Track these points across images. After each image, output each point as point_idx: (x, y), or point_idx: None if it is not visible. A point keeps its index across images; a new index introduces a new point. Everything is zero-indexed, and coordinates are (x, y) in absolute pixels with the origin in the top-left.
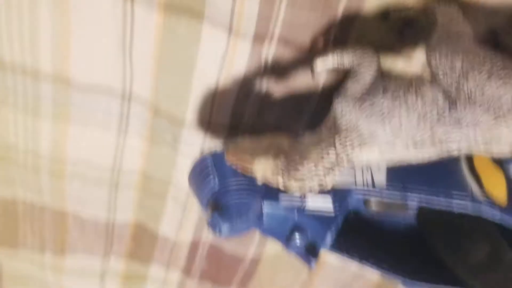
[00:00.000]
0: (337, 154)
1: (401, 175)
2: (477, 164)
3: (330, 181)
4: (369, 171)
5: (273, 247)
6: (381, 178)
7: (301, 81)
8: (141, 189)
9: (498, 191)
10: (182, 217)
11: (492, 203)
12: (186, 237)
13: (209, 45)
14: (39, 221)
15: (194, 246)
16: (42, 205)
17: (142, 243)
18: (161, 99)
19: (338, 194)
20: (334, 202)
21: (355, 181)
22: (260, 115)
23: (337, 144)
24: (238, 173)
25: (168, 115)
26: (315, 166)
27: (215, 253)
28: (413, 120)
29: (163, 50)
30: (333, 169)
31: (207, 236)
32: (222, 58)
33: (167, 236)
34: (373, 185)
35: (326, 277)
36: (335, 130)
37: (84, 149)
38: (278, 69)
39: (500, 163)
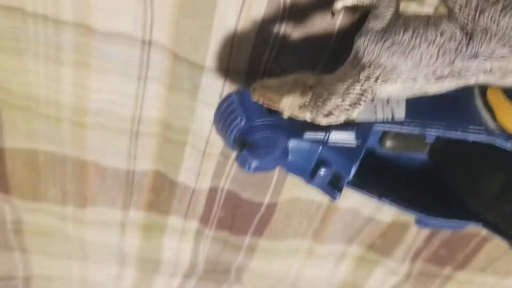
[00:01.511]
0: (362, 88)
1: (420, 112)
2: (490, 97)
3: (355, 114)
4: (390, 108)
5: (289, 193)
6: (400, 115)
7: (319, 24)
8: (160, 137)
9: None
10: (201, 165)
11: (505, 134)
12: (204, 185)
13: None
14: (60, 172)
15: (212, 194)
16: (63, 155)
17: (161, 193)
18: (181, 45)
19: (361, 128)
20: (356, 135)
21: (376, 117)
22: (278, 60)
23: (361, 79)
24: (263, 110)
25: (188, 61)
26: (342, 100)
27: (232, 200)
28: (433, 55)
29: None
30: (358, 103)
31: (225, 183)
32: (242, 1)
33: (186, 184)
34: (393, 120)
35: (338, 223)
36: (359, 65)
37: (105, 99)
38: (297, 12)
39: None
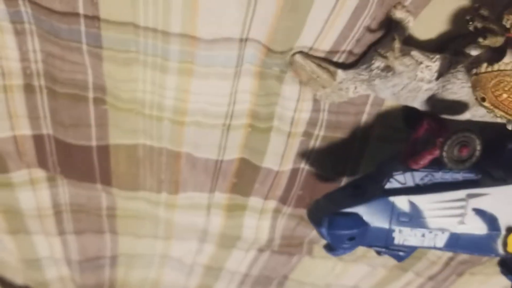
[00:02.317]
0: None
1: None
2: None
3: None
4: (433, 240)
5: None
6: (440, 245)
7: None
8: (249, 128)
9: None
10: (285, 147)
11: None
12: (287, 167)
13: None
14: (157, 164)
15: (293, 175)
16: (160, 148)
17: (244, 177)
18: (276, 39)
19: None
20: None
21: (423, 244)
22: (359, 43)
23: None
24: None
25: (279, 52)
26: None
27: (311, 180)
28: None
29: None
30: None
31: (305, 164)
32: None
33: (269, 168)
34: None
35: None
36: None
37: (202, 100)
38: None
39: None
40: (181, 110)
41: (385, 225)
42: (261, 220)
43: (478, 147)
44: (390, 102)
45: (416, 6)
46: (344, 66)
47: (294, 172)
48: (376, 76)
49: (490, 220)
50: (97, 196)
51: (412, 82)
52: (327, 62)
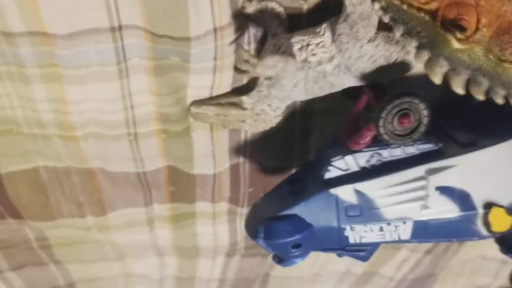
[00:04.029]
0: None
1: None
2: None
3: None
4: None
5: None
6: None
7: None
8: (162, 134)
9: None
10: (213, 146)
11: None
12: (224, 166)
13: None
14: (68, 185)
15: (234, 172)
16: (66, 168)
17: (180, 184)
18: (156, 22)
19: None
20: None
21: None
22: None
23: None
24: None
25: (169, 37)
26: None
27: (257, 173)
28: None
29: None
30: None
31: (244, 156)
32: None
33: (204, 173)
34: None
35: None
36: None
37: (88, 109)
38: None
39: None
40: (65, 124)
41: (332, 223)
42: (216, 225)
43: (425, 112)
44: None
45: None
46: (247, 88)
47: (234, 169)
48: (270, 86)
49: (461, 198)
50: (19, 229)
51: (310, 71)
52: (226, 96)
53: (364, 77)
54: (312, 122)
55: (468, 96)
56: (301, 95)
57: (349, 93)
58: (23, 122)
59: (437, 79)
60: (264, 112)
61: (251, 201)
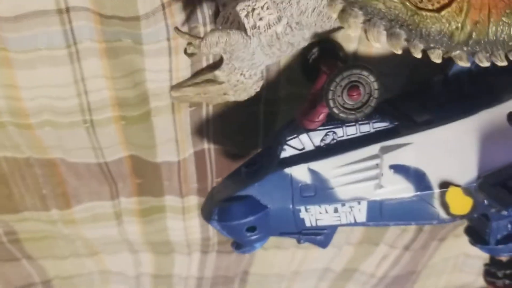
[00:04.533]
0: None
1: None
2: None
3: None
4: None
5: None
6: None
7: None
8: (121, 120)
9: None
10: (175, 130)
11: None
12: (187, 151)
13: None
14: (30, 177)
15: (200, 160)
16: (26, 159)
17: (146, 175)
18: (104, 2)
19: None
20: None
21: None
22: None
23: None
24: None
25: (118, 17)
26: None
27: (224, 160)
28: None
29: None
30: None
31: (209, 141)
32: None
33: (168, 161)
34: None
35: None
36: None
37: (40, 95)
38: None
39: None
40: (19, 111)
41: (287, 205)
42: (186, 220)
43: (375, 85)
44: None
45: None
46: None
47: (199, 155)
48: (230, 60)
49: (416, 177)
50: None
51: (261, 37)
52: (200, 74)
53: (319, 29)
54: (277, 109)
55: (430, 83)
56: (266, 60)
57: (309, 75)
58: None
59: (352, 31)
60: (240, 82)
61: None
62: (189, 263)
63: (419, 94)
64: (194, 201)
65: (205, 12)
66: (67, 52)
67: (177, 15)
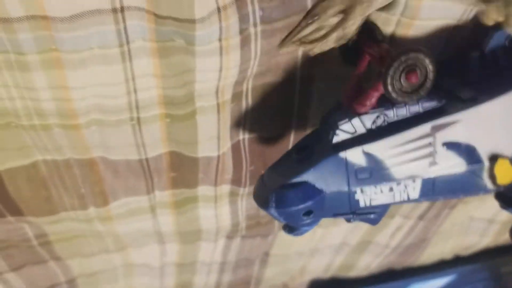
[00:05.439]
0: None
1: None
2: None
3: None
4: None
5: None
6: (415, 196)
7: None
8: (166, 118)
9: None
10: (218, 126)
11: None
12: (226, 145)
13: None
14: (69, 178)
15: (236, 151)
16: (66, 160)
17: (183, 170)
18: (159, 3)
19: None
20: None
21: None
22: None
23: None
24: None
25: (173, 18)
26: None
27: (257, 148)
28: None
29: None
30: None
31: (244, 132)
32: None
33: (208, 156)
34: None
35: None
36: None
37: (90, 95)
38: None
39: None
40: (67, 112)
41: (343, 188)
42: (218, 208)
43: (430, 67)
44: None
45: None
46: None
47: (236, 147)
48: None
49: (468, 152)
50: (18, 228)
51: None
52: (305, 20)
53: None
54: (312, 88)
55: (466, 54)
56: None
57: (349, 58)
58: (22, 113)
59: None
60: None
61: (252, 179)
62: (214, 249)
63: (456, 70)
64: (226, 189)
65: (256, 13)
66: (119, 51)
67: (231, 18)
